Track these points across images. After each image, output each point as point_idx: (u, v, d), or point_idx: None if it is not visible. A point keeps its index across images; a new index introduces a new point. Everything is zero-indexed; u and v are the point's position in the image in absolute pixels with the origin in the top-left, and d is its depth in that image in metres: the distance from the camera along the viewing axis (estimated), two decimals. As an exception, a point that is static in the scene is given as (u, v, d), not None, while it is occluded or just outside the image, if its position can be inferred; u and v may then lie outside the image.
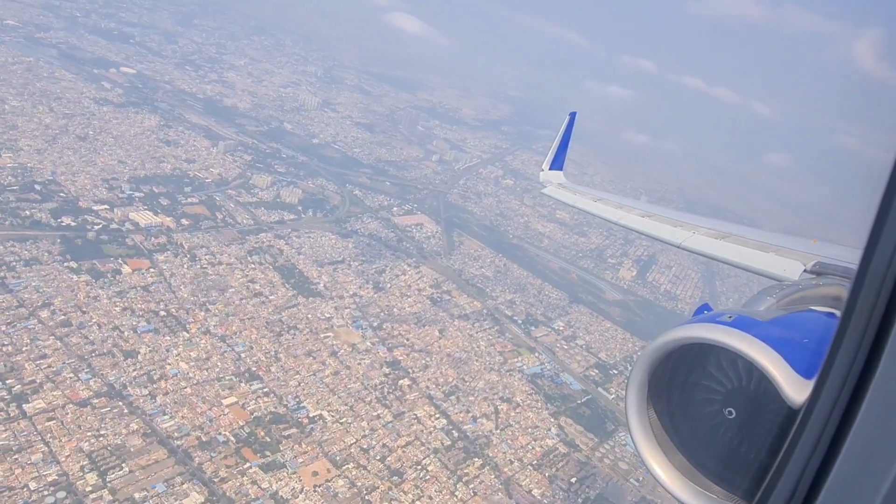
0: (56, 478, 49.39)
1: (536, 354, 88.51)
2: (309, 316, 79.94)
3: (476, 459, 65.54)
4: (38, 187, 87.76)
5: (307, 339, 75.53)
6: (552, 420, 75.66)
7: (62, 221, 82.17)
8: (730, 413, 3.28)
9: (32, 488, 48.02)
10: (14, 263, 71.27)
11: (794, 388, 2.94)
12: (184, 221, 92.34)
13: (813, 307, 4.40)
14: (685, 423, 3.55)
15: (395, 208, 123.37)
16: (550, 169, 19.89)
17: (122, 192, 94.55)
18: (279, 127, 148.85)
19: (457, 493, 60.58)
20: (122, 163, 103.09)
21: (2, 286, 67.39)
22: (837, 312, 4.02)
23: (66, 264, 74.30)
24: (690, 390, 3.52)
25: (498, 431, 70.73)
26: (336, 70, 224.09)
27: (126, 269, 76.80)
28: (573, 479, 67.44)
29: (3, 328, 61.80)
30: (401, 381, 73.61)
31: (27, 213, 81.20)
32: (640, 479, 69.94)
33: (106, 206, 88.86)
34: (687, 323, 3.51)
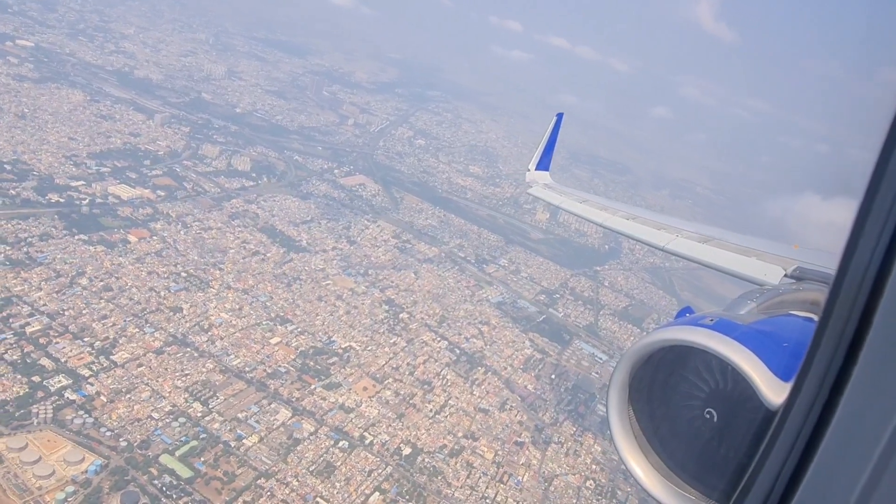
0: (170, 408, 57.73)
1: (494, 287, 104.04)
2: (306, 268, 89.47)
3: (479, 368, 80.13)
4: (8, 167, 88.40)
5: (313, 288, 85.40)
6: (524, 335, 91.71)
7: (50, 199, 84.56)
8: (709, 414, 3.34)
9: (156, 417, 56.23)
10: (30, 239, 74.51)
11: (772, 390, 3.00)
12: (159, 193, 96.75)
13: (792, 311, 4.48)
14: (665, 424, 3.62)
15: (335, 171, 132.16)
16: (537, 169, 19.96)
17: (89, 168, 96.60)
18: (199, 98, 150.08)
19: (474, 392, 75.09)
20: (73, 139, 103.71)
21: (31, 260, 71.15)
22: (816, 317, 4.08)
23: (76, 237, 78.24)
24: (671, 392, 3.59)
25: (487, 347, 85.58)
26: (224, 37, 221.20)
27: (132, 238, 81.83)
28: (553, 376, 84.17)
29: (55, 296, 66.75)
30: (400, 315, 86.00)
31: (13, 192, 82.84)
32: (599, 372, 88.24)
33: (83, 182, 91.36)
34: (669, 325, 3.63)
